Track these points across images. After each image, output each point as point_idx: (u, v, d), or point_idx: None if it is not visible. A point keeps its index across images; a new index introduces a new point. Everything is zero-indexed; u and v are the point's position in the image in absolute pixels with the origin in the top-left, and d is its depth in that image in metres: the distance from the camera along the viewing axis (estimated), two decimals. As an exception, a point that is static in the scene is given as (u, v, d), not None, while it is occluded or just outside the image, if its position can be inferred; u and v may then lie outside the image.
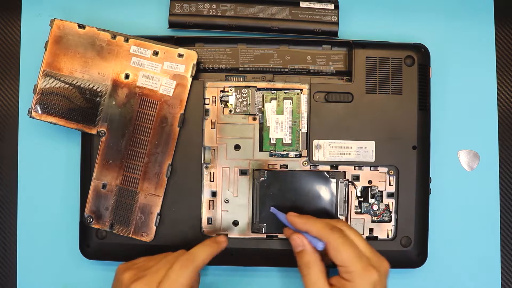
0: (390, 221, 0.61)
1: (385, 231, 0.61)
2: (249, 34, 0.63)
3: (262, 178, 0.60)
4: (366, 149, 0.60)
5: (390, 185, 0.61)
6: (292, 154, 0.61)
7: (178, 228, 0.60)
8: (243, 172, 0.61)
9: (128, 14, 0.65)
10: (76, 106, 0.59)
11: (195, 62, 0.60)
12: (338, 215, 0.61)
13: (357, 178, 0.61)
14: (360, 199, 0.61)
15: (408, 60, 0.61)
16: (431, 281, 0.64)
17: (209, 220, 0.61)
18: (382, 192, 0.61)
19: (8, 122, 0.65)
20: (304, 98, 0.61)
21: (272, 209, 0.59)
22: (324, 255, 0.54)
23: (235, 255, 0.60)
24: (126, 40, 0.60)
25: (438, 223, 0.64)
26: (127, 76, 0.60)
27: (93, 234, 0.60)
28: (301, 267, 0.54)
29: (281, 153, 0.61)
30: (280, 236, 0.61)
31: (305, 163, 0.61)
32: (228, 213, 0.61)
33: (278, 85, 0.61)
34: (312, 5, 0.63)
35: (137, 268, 0.55)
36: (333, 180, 0.61)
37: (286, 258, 0.61)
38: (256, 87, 0.61)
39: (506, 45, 0.66)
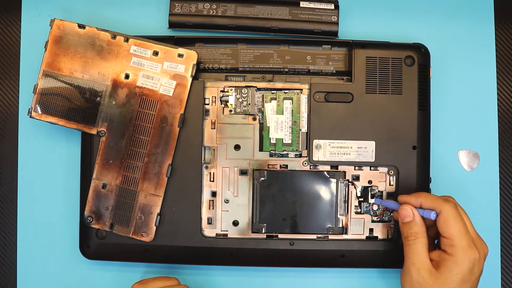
0: (390, 221, 0.61)
1: (385, 231, 0.61)
2: (249, 34, 0.63)
3: (262, 178, 0.60)
4: (366, 149, 0.60)
5: (390, 185, 0.61)
6: (292, 154, 0.61)
7: (178, 228, 0.60)
8: (243, 172, 0.61)
9: (128, 14, 0.65)
10: (76, 106, 0.59)
11: (195, 62, 0.60)
12: (338, 215, 0.61)
13: (357, 178, 0.61)
14: (360, 199, 0.61)
15: (408, 60, 0.61)
16: (431, 281, 0.64)
17: (209, 220, 0.61)
18: (382, 192, 0.61)
19: (8, 122, 0.65)
20: (304, 98, 0.61)
21: (376, 199, 0.60)
22: (427, 229, 0.56)
23: (235, 255, 0.60)
24: (126, 40, 0.60)
25: (438, 223, 0.64)
26: (127, 76, 0.60)
27: (93, 234, 0.60)
28: (407, 238, 0.55)
29: (281, 153, 0.61)
30: (280, 236, 0.61)
31: (305, 163, 0.61)
32: (228, 213, 0.61)
33: (278, 85, 0.61)
34: (312, 5, 0.63)
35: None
36: (333, 180, 0.61)
37: (286, 258, 0.61)
38: (256, 87, 0.61)
39: (506, 45, 0.66)
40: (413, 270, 0.54)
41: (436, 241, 0.59)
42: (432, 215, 0.54)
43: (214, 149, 0.61)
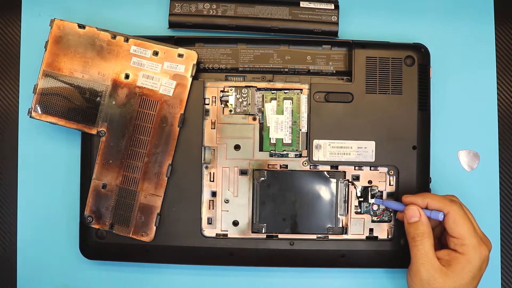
0: (390, 221, 0.61)
1: (385, 231, 0.61)
2: (249, 34, 0.63)
3: (262, 178, 0.60)
4: (366, 149, 0.60)
5: (390, 185, 0.61)
6: (292, 154, 0.61)
7: (178, 228, 0.60)
8: (243, 172, 0.61)
9: (128, 14, 0.65)
10: (76, 106, 0.59)
11: (195, 62, 0.60)
12: (338, 215, 0.61)
13: (357, 178, 0.61)
14: (360, 199, 0.61)
15: (408, 60, 0.61)
16: (431, 281, 0.64)
17: (209, 220, 0.61)
18: (382, 192, 0.61)
19: (8, 122, 0.65)
20: (304, 98, 0.61)
21: (379, 200, 0.60)
22: (432, 229, 0.56)
23: (235, 255, 0.60)
24: (126, 40, 0.60)
25: (438, 223, 0.64)
26: (127, 76, 0.60)
27: (93, 234, 0.60)
28: (414, 238, 0.56)
29: (281, 153, 0.61)
30: (280, 236, 0.61)
31: (305, 163, 0.61)
32: (228, 213, 0.61)
33: (278, 85, 0.61)
34: (312, 5, 0.63)
35: None
36: (333, 180, 0.61)
37: (286, 258, 0.61)
38: (256, 87, 0.61)
39: (506, 45, 0.66)
40: (422, 270, 0.55)
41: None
42: (440, 216, 0.55)
43: (214, 149, 0.61)
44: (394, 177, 0.61)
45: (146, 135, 0.59)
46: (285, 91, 0.61)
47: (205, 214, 0.61)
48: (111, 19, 0.64)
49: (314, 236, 0.61)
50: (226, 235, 0.61)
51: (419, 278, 0.55)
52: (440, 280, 0.54)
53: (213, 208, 0.61)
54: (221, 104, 0.61)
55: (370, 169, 0.61)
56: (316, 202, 0.61)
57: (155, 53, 0.60)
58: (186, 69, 0.60)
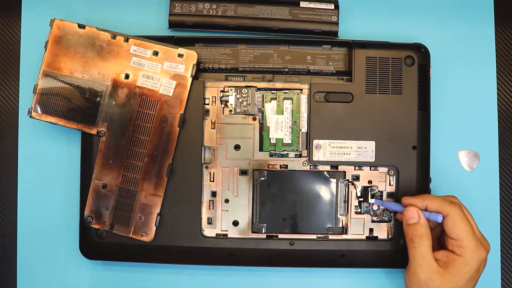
0: (390, 221, 0.61)
1: (385, 231, 0.61)
2: (249, 34, 0.63)
3: (262, 178, 0.60)
4: (366, 149, 0.60)
5: (390, 185, 0.61)
6: (292, 154, 0.61)
7: (178, 228, 0.60)
8: (243, 172, 0.61)
9: (128, 14, 0.65)
10: (76, 106, 0.59)
11: (195, 62, 0.60)
12: (338, 215, 0.61)
13: (357, 178, 0.61)
14: (360, 199, 0.61)
15: (408, 60, 0.61)
16: (431, 281, 0.64)
17: (209, 220, 0.61)
18: (382, 192, 0.61)
19: (8, 122, 0.65)
20: (304, 98, 0.61)
21: (378, 201, 0.60)
22: (431, 230, 0.57)
23: (235, 255, 0.60)
24: (126, 40, 0.60)
25: (438, 223, 0.64)
26: (127, 76, 0.60)
27: (93, 234, 0.60)
28: (412, 239, 0.56)
29: (281, 153, 0.61)
30: (280, 236, 0.61)
31: (305, 163, 0.61)
32: (228, 213, 0.61)
33: (278, 85, 0.61)
34: (312, 5, 0.63)
35: None
36: (333, 180, 0.61)
37: (286, 258, 0.61)
38: (256, 87, 0.61)
39: (506, 45, 0.66)
40: (420, 272, 0.55)
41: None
42: (439, 218, 0.55)
43: (214, 149, 0.61)
44: (394, 177, 0.61)
45: (146, 135, 0.59)
46: (285, 91, 0.61)
47: (205, 214, 0.61)
48: (111, 19, 0.64)
49: (314, 236, 0.61)
50: (226, 235, 0.61)
51: (417, 279, 0.55)
52: (438, 282, 0.54)
53: (213, 208, 0.61)
54: (221, 104, 0.61)
55: (370, 169, 0.61)
56: (316, 202, 0.61)
57: (155, 53, 0.60)
58: (186, 69, 0.60)
